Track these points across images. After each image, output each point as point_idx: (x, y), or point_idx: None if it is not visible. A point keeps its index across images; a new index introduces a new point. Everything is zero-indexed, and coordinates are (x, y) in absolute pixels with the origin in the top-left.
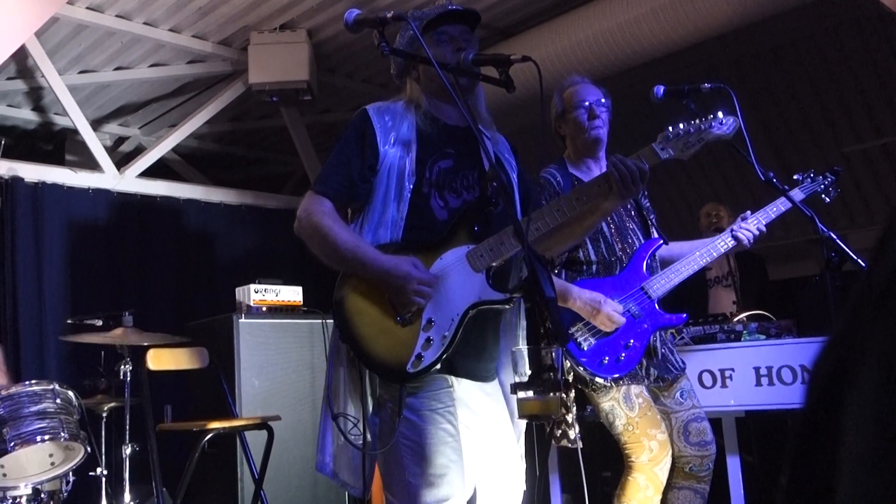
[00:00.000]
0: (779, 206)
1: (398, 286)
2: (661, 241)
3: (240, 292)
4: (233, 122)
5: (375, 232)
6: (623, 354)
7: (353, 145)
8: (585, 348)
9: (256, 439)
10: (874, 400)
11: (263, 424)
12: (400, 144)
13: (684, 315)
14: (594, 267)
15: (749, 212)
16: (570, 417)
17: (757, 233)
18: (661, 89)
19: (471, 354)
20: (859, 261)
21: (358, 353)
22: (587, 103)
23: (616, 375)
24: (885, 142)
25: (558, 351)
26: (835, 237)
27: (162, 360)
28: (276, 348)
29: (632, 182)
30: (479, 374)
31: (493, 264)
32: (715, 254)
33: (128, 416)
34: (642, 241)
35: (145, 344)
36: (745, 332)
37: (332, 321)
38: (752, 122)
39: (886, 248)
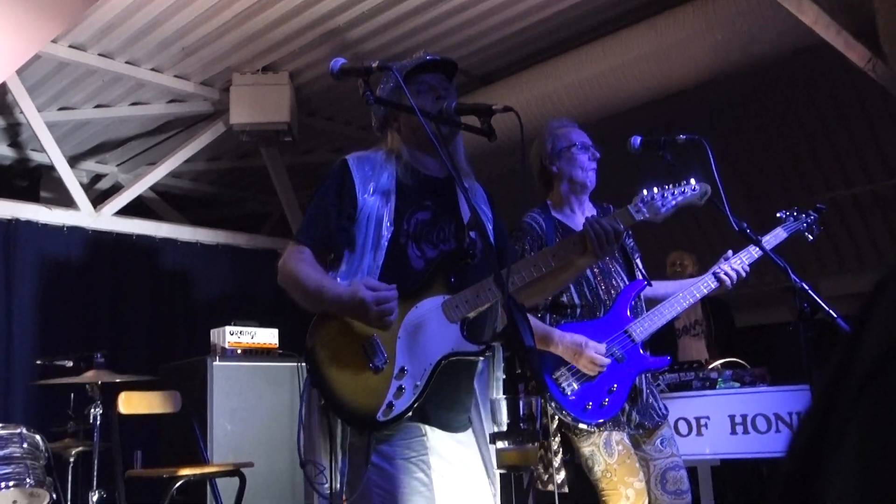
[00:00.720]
0: (758, 250)
1: (360, 309)
2: (646, 283)
3: (215, 334)
4: (212, 161)
5: (351, 279)
6: (606, 399)
7: (331, 195)
8: (569, 394)
9: (228, 486)
10: (853, 476)
11: (236, 471)
12: (379, 194)
13: (668, 358)
14: (578, 310)
15: (731, 251)
16: (556, 461)
17: (743, 273)
18: (637, 140)
19: (443, 404)
20: (831, 312)
21: (328, 399)
22: (587, 144)
23: (600, 420)
24: (854, 192)
25: (538, 401)
26: (807, 288)
27: (133, 403)
28: (250, 392)
29: (606, 242)
30: (451, 424)
31: (469, 315)
32: (698, 294)
33: (96, 462)
34: (627, 283)
35: (117, 380)
36: (719, 379)
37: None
38: (725, 170)
39: (870, 324)
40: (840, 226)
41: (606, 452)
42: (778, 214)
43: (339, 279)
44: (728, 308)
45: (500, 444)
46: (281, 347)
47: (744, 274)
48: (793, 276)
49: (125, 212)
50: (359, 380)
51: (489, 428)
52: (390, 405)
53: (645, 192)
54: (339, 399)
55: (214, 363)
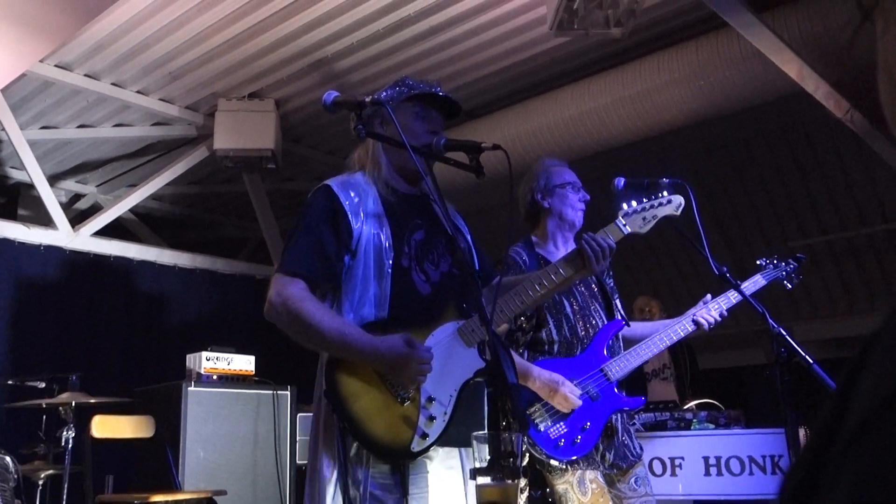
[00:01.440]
0: (738, 294)
1: (398, 367)
2: (624, 323)
3: (191, 359)
4: (193, 185)
5: (358, 311)
6: (579, 437)
7: (323, 223)
8: (542, 429)
9: None
10: None
11: (209, 499)
12: (371, 220)
13: (642, 398)
14: (556, 347)
15: (710, 295)
16: (521, 499)
17: (719, 318)
18: (622, 181)
19: (466, 423)
20: (807, 357)
21: (356, 435)
22: (578, 183)
23: (573, 458)
24: (828, 238)
25: (519, 437)
26: (784, 333)
27: (107, 427)
28: (225, 419)
29: (602, 256)
30: (469, 439)
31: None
32: (675, 337)
33: (66, 486)
34: (605, 323)
35: (92, 401)
36: (694, 420)
37: (283, 392)
38: (703, 214)
39: (865, 372)
40: (815, 272)
41: (580, 491)
42: (758, 262)
43: (344, 315)
44: (692, 351)
45: (481, 480)
46: (257, 375)
47: (720, 319)
48: (770, 320)
49: (103, 233)
50: (387, 413)
51: (470, 463)
52: (424, 435)
53: (626, 206)
54: (370, 435)
55: (190, 388)
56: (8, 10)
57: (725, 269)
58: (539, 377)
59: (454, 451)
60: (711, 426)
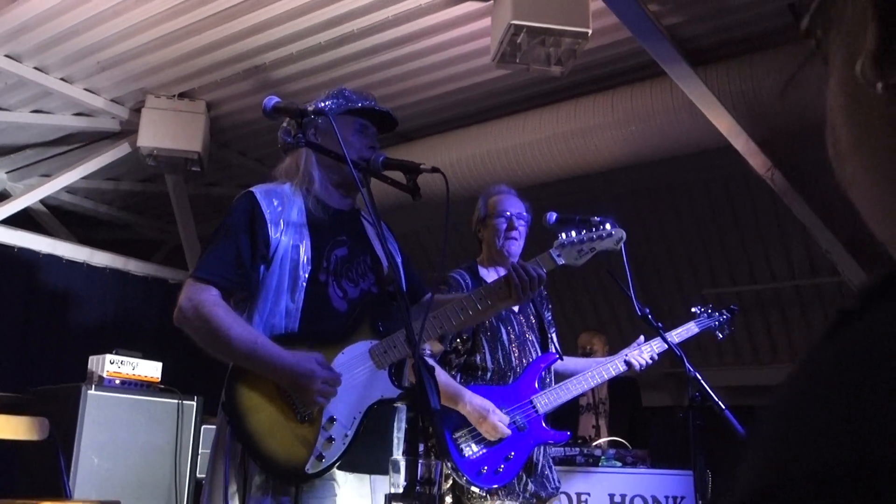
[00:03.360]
0: (673, 337)
1: (301, 385)
2: (557, 357)
3: (93, 361)
4: (111, 181)
5: (268, 322)
6: (502, 466)
7: (241, 230)
8: (466, 455)
9: None
10: None
11: None
12: (291, 231)
13: (568, 433)
14: (489, 374)
15: (643, 337)
16: None
17: (650, 361)
18: (553, 216)
19: (370, 448)
20: (719, 402)
21: (251, 451)
22: (508, 213)
23: (495, 486)
24: (738, 290)
25: (438, 464)
26: (699, 378)
27: None
28: (124, 426)
29: (530, 287)
30: (377, 465)
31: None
32: (606, 375)
33: None
34: (538, 353)
35: None
36: (602, 457)
37: (189, 402)
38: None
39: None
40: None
41: None
42: (693, 309)
43: (254, 325)
44: (636, 386)
45: None
46: (163, 382)
47: (651, 361)
48: (687, 364)
49: (10, 222)
50: (285, 431)
51: (383, 490)
52: (320, 457)
53: (563, 235)
54: (264, 451)
55: (89, 391)
56: None
57: (648, 310)
58: (470, 402)
59: (365, 478)
60: (618, 464)
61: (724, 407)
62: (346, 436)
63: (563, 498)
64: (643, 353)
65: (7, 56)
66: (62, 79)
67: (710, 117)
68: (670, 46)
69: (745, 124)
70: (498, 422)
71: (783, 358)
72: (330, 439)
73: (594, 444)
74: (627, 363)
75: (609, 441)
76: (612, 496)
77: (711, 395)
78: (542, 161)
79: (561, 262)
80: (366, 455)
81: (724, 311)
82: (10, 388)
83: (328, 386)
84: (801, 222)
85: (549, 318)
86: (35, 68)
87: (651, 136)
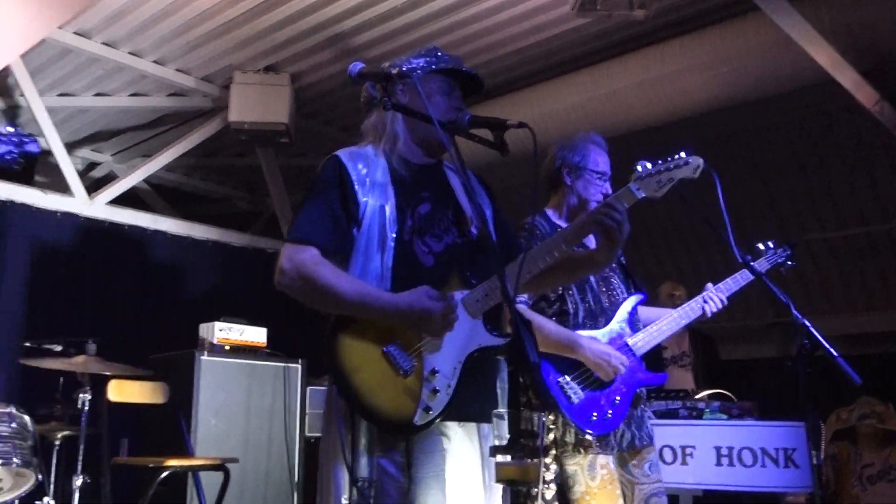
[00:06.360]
0: (738, 280)
1: (424, 318)
2: (645, 296)
3: (203, 329)
4: (206, 157)
5: (362, 281)
6: (610, 411)
7: (331, 191)
8: (575, 402)
9: (207, 481)
10: None
11: (221, 466)
12: (377, 192)
13: (665, 374)
14: (580, 317)
15: (710, 284)
16: (549, 476)
17: (721, 306)
18: (645, 165)
19: (475, 397)
20: (831, 349)
21: (358, 407)
22: (608, 173)
23: (605, 432)
24: (847, 234)
25: (540, 416)
26: (809, 325)
27: (123, 391)
28: (236, 389)
29: (616, 229)
30: (483, 414)
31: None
32: (693, 316)
33: (82, 447)
34: (625, 294)
35: (108, 374)
36: (706, 410)
37: (293, 365)
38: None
39: None
40: (833, 267)
41: (589, 475)
42: (759, 246)
43: None
44: (713, 341)
45: (500, 458)
46: (268, 347)
47: (721, 306)
48: (795, 311)
49: (118, 201)
50: (389, 385)
51: (489, 441)
52: (427, 409)
53: (639, 167)
54: (370, 405)
55: (202, 357)
56: None
57: (749, 257)
58: (589, 347)
59: (472, 429)
60: (724, 416)
61: (835, 353)
62: (450, 386)
63: (668, 451)
64: (715, 297)
65: (104, 43)
66: (155, 61)
67: (809, 52)
68: None
69: (848, 56)
70: (620, 364)
71: None
72: (434, 391)
73: (697, 397)
74: (702, 308)
75: (712, 394)
76: (718, 449)
77: (822, 343)
78: (628, 110)
79: (641, 195)
80: (471, 403)
81: (785, 247)
82: (129, 357)
83: (450, 313)
84: None
85: (625, 262)
86: (130, 53)
87: (744, 77)
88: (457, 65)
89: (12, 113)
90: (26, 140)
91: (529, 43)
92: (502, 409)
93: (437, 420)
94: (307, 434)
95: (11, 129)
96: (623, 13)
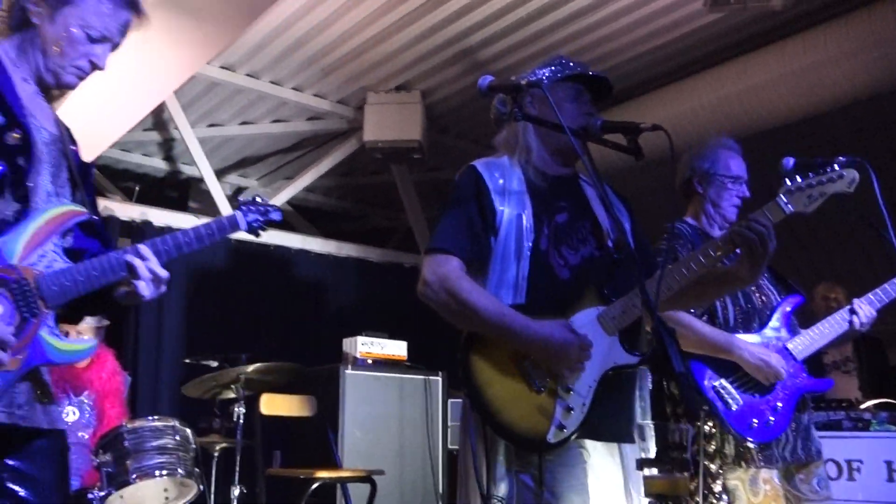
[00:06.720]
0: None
1: (558, 354)
2: (803, 297)
3: (347, 343)
4: (343, 176)
5: (496, 293)
6: (772, 418)
7: (469, 203)
8: (734, 408)
9: (356, 493)
10: None
11: (367, 477)
12: (514, 201)
13: (831, 380)
14: (731, 320)
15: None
16: (716, 488)
17: (872, 314)
18: (790, 161)
19: (610, 416)
20: None
21: (491, 423)
22: (744, 179)
23: (767, 440)
24: None
25: (689, 429)
26: None
27: (274, 405)
28: (380, 401)
29: (759, 244)
30: (620, 434)
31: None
32: (849, 321)
33: (238, 458)
34: (777, 295)
35: (266, 379)
36: (873, 421)
37: (434, 378)
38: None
39: None
40: None
41: (752, 490)
42: None
43: None
44: (881, 344)
45: (648, 472)
46: (409, 360)
47: (874, 315)
48: None
49: None
50: (523, 402)
51: (633, 455)
52: (560, 427)
53: (788, 181)
54: (502, 421)
55: (347, 371)
56: (186, 5)
57: None
58: (747, 349)
59: (614, 448)
60: (894, 428)
61: None
62: (584, 405)
63: (832, 466)
64: (866, 307)
65: (247, 75)
66: (294, 88)
67: None
68: None
69: None
70: (780, 367)
71: None
72: (568, 409)
73: (861, 406)
74: (852, 310)
75: (878, 403)
76: (889, 463)
77: None
78: (770, 105)
79: (790, 209)
80: (608, 423)
81: None
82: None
83: (584, 353)
84: None
85: None
86: (271, 82)
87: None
88: (583, 70)
89: (168, 145)
90: (270, 210)
91: (659, 43)
92: (645, 422)
93: (572, 438)
94: (449, 446)
95: (259, 200)
96: (759, 4)
